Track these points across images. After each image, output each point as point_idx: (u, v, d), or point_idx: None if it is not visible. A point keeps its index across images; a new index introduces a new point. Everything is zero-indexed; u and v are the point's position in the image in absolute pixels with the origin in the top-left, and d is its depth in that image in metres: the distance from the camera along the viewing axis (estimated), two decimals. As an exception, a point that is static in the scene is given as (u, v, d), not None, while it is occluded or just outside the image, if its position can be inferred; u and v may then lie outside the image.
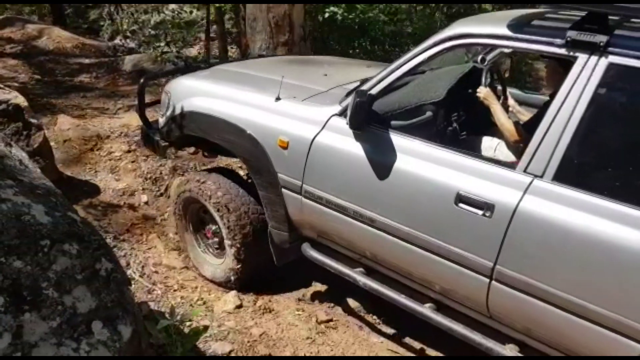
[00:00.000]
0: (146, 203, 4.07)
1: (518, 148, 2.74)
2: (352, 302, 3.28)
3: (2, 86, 3.94)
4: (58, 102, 5.76)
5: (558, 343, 2.21)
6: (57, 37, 8.19)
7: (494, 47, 2.48)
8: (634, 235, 1.88)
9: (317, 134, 2.67)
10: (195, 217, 3.38)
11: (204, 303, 3.15)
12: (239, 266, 3.19)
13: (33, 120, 3.89)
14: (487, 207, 2.17)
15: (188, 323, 2.69)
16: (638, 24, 2.02)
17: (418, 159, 2.40)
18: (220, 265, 3.30)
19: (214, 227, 3.27)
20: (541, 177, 2.10)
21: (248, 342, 2.86)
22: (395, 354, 2.95)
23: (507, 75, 3.28)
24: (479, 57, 3.20)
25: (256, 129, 2.84)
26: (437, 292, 2.53)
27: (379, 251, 2.65)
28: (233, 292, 3.22)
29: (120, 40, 10.24)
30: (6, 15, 10.43)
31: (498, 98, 2.98)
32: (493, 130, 3.09)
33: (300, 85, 3.01)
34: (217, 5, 8.58)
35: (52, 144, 4.20)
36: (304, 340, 2.94)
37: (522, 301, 2.15)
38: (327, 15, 7.87)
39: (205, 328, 2.61)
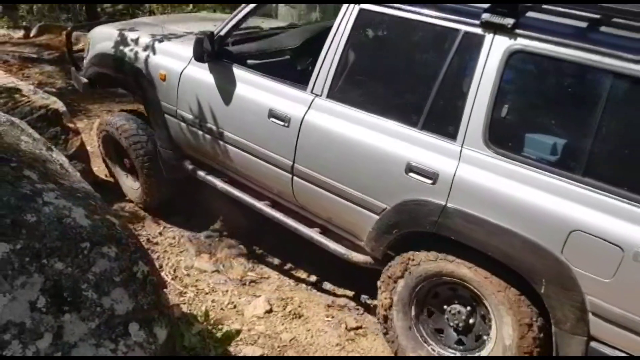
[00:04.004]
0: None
1: None
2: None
3: (41, 92, 4.06)
4: (94, 107, 5.90)
5: (340, 224, 2.93)
6: (92, 44, 8.37)
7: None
8: (375, 136, 2.58)
9: (185, 67, 3.34)
10: (114, 151, 4.02)
11: (235, 307, 3.17)
12: (147, 188, 3.85)
13: (71, 125, 3.99)
14: (286, 119, 2.87)
15: (220, 326, 2.71)
16: None
17: (246, 84, 3.09)
18: (137, 189, 3.96)
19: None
20: (320, 95, 2.80)
21: (278, 347, 2.87)
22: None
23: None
24: None
25: (143, 64, 3.54)
26: (274, 193, 3.22)
27: (231, 161, 3.29)
28: (263, 297, 3.24)
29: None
30: (44, 22, 10.74)
31: None
32: None
33: (185, 31, 3.69)
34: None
35: (88, 148, 4.30)
36: (334, 347, 2.93)
37: (311, 189, 2.88)
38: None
39: (237, 332, 2.62)
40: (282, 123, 2.89)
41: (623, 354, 2.12)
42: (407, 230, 2.57)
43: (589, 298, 2.12)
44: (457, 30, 2.40)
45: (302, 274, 3.56)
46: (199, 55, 3.13)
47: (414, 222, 2.52)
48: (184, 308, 3.02)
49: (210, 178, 3.45)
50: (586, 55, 2.11)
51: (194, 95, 3.31)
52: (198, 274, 3.46)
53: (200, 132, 3.36)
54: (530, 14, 2.28)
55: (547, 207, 2.16)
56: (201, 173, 3.51)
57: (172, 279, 3.34)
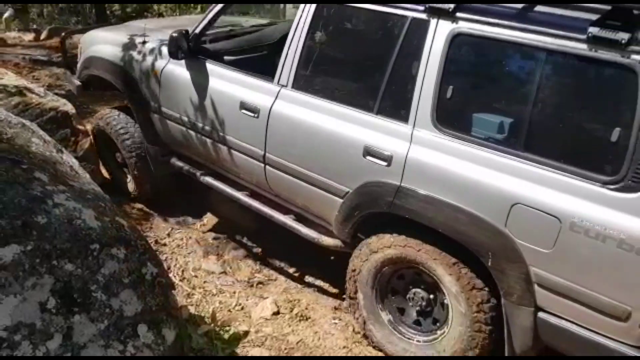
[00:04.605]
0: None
1: None
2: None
3: (51, 94, 4.09)
4: (102, 108, 5.90)
5: (312, 210, 3.03)
6: (102, 46, 8.42)
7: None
8: (336, 122, 2.71)
9: (165, 64, 3.49)
10: (107, 146, 4.12)
11: (242, 308, 3.18)
12: (137, 181, 3.99)
13: (80, 127, 4.02)
14: (255, 110, 3.01)
15: (227, 328, 2.72)
16: None
17: (219, 78, 3.23)
18: (130, 182, 4.11)
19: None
20: (286, 86, 2.93)
21: (285, 349, 2.87)
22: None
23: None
24: None
25: (128, 65, 3.70)
26: (253, 184, 3.32)
27: (211, 154, 3.42)
28: (270, 299, 3.24)
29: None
30: (54, 25, 10.82)
31: None
32: None
33: (166, 32, 3.65)
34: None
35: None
36: (341, 350, 2.93)
37: (282, 177, 3.01)
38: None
39: (245, 334, 2.63)
40: (252, 114, 3.02)
41: (569, 323, 2.17)
42: (366, 211, 2.67)
43: (533, 269, 2.18)
44: (405, 17, 2.51)
45: (309, 276, 3.56)
46: (174, 52, 3.28)
47: (372, 203, 2.63)
48: (192, 309, 3.03)
49: (192, 171, 3.59)
50: (522, 34, 2.19)
51: (174, 92, 3.45)
52: (205, 275, 3.47)
53: (182, 128, 3.49)
54: None
55: (490, 182, 2.25)
56: (186, 168, 3.64)
57: (180, 280, 3.36)
